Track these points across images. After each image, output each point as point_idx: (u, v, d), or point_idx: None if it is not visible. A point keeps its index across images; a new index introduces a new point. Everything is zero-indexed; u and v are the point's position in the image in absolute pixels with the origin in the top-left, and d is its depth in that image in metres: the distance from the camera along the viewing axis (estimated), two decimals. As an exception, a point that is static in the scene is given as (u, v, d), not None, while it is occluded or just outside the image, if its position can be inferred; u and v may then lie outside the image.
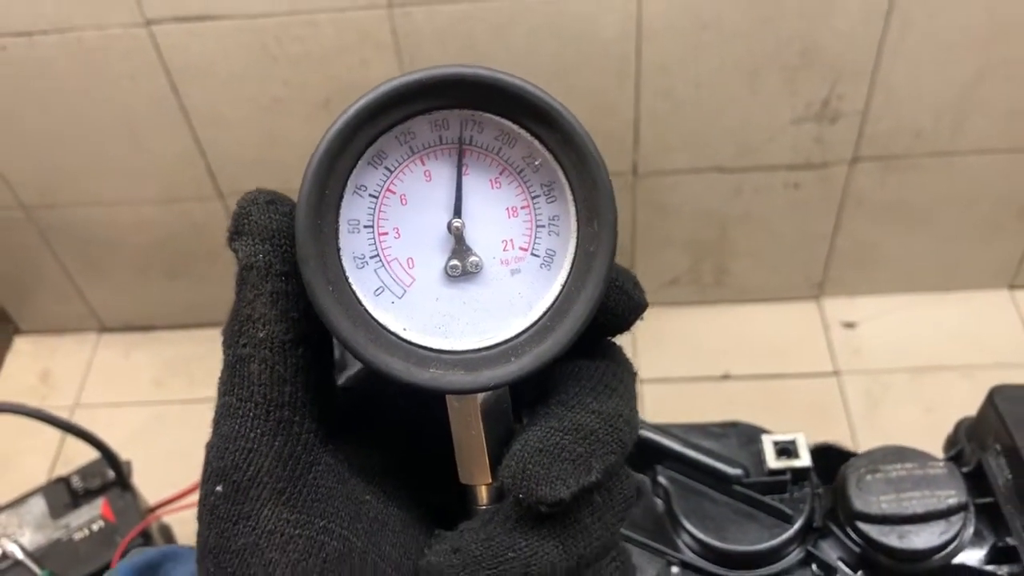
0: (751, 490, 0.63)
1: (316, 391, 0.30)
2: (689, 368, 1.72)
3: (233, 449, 0.29)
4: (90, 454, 1.30)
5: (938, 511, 0.60)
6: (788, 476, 0.63)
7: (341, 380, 0.34)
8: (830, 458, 0.67)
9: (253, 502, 0.28)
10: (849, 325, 1.78)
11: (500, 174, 0.30)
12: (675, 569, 0.63)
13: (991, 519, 0.63)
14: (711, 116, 1.55)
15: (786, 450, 0.64)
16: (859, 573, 0.62)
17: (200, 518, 0.29)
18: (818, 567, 0.63)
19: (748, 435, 0.67)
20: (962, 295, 1.79)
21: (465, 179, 0.30)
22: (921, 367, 1.69)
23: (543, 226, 0.30)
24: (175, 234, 1.74)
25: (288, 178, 1.63)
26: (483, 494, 0.31)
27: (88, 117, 1.53)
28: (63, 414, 1.82)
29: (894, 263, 1.79)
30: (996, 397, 0.67)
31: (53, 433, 1.70)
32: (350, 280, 0.29)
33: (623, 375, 0.32)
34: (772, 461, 0.64)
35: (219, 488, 0.29)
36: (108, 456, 1.22)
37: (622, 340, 0.32)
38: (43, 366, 1.86)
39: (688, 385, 1.70)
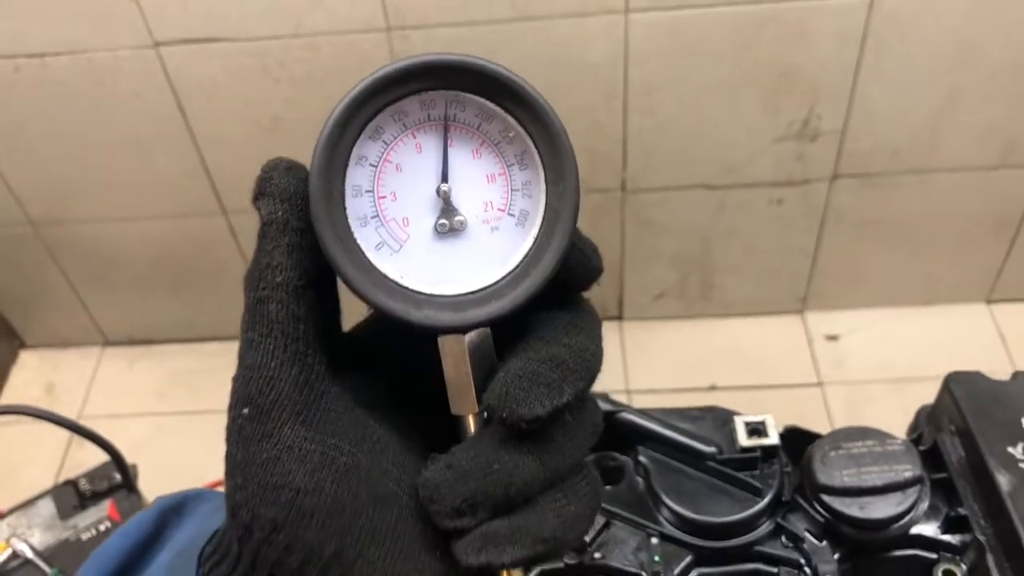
0: (725, 466, 0.68)
1: (325, 331, 0.35)
2: (677, 379, 1.77)
3: (257, 377, 0.33)
4: (94, 461, 1.34)
5: (896, 483, 0.65)
6: (758, 454, 0.68)
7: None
8: (798, 440, 0.72)
9: (275, 422, 0.33)
10: (832, 338, 1.84)
11: (480, 146, 0.35)
12: (655, 540, 0.68)
13: (945, 493, 0.68)
14: (695, 135, 1.61)
15: (756, 430, 0.70)
16: (824, 543, 0.67)
17: (228, 439, 0.34)
18: (787, 538, 0.68)
19: (723, 418, 0.72)
20: (941, 308, 1.84)
21: (450, 150, 0.35)
22: (901, 378, 1.74)
23: (517, 190, 0.36)
24: (179, 250, 1.79)
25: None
26: (471, 423, 0.36)
27: (97, 135, 1.59)
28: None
29: (875, 278, 1.85)
30: (951, 383, 0.73)
31: (58, 443, 1.75)
32: (355, 236, 0.34)
33: (589, 319, 0.37)
34: (743, 440, 0.69)
35: (245, 411, 0.33)
36: (115, 457, 1.26)
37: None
38: (47, 379, 1.90)
39: (676, 396, 1.75)
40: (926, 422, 0.77)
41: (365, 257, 0.34)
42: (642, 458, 0.71)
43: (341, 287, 0.36)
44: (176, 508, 0.45)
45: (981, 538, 0.64)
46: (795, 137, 1.60)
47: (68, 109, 1.55)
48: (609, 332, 1.83)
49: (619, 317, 1.89)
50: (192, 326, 1.93)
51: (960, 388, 0.72)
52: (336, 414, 0.34)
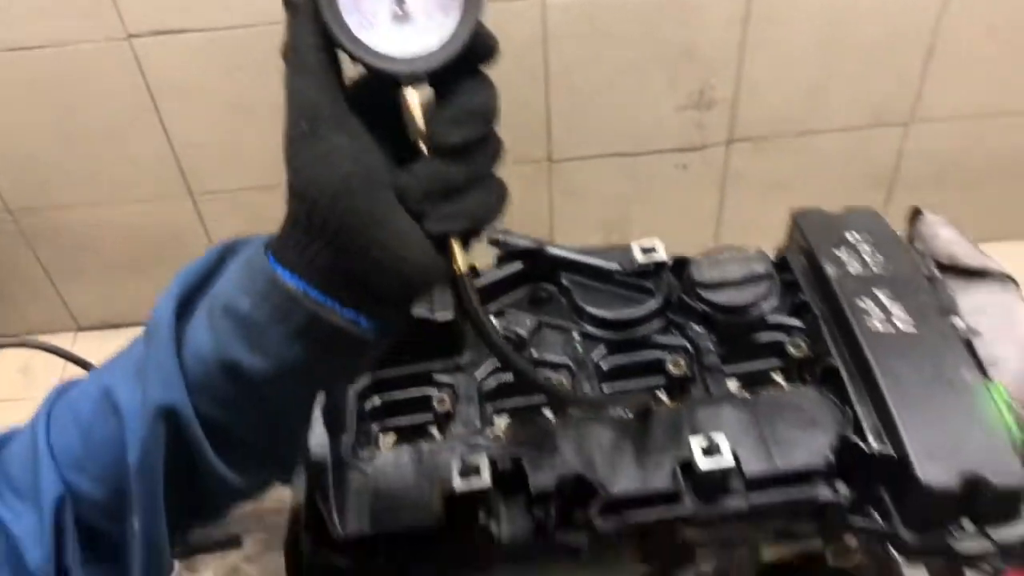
0: (626, 277, 0.90)
1: (340, 81, 0.55)
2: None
3: (307, 105, 0.52)
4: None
5: (751, 276, 0.87)
6: (651, 267, 0.90)
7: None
8: (684, 264, 0.93)
9: (324, 131, 0.51)
10: (740, 288, 2.07)
11: None
12: (577, 337, 0.88)
13: (792, 291, 0.90)
14: (610, 108, 1.84)
15: (648, 250, 0.91)
16: (703, 329, 0.88)
17: (290, 146, 0.51)
18: (675, 329, 0.88)
19: (623, 250, 0.93)
20: (832, 260, 2.09)
21: None
22: (801, 318, 1.98)
23: None
24: (148, 234, 1.95)
25: (253, 176, 1.85)
26: (423, 147, 0.56)
27: (74, 125, 1.76)
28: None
29: (774, 234, 2.08)
30: (796, 216, 0.95)
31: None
32: (346, 20, 0.54)
33: (489, 82, 0.55)
34: (639, 257, 0.90)
35: (303, 124, 0.52)
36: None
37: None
38: (23, 362, 2.03)
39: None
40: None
41: (352, 33, 0.55)
42: (564, 281, 0.91)
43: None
44: (231, 247, 0.63)
45: (817, 313, 0.86)
46: (694, 107, 1.85)
47: (47, 100, 1.72)
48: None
49: (552, 280, 2.10)
50: (160, 308, 2.07)
51: (803, 218, 0.94)
52: (355, 132, 0.54)
